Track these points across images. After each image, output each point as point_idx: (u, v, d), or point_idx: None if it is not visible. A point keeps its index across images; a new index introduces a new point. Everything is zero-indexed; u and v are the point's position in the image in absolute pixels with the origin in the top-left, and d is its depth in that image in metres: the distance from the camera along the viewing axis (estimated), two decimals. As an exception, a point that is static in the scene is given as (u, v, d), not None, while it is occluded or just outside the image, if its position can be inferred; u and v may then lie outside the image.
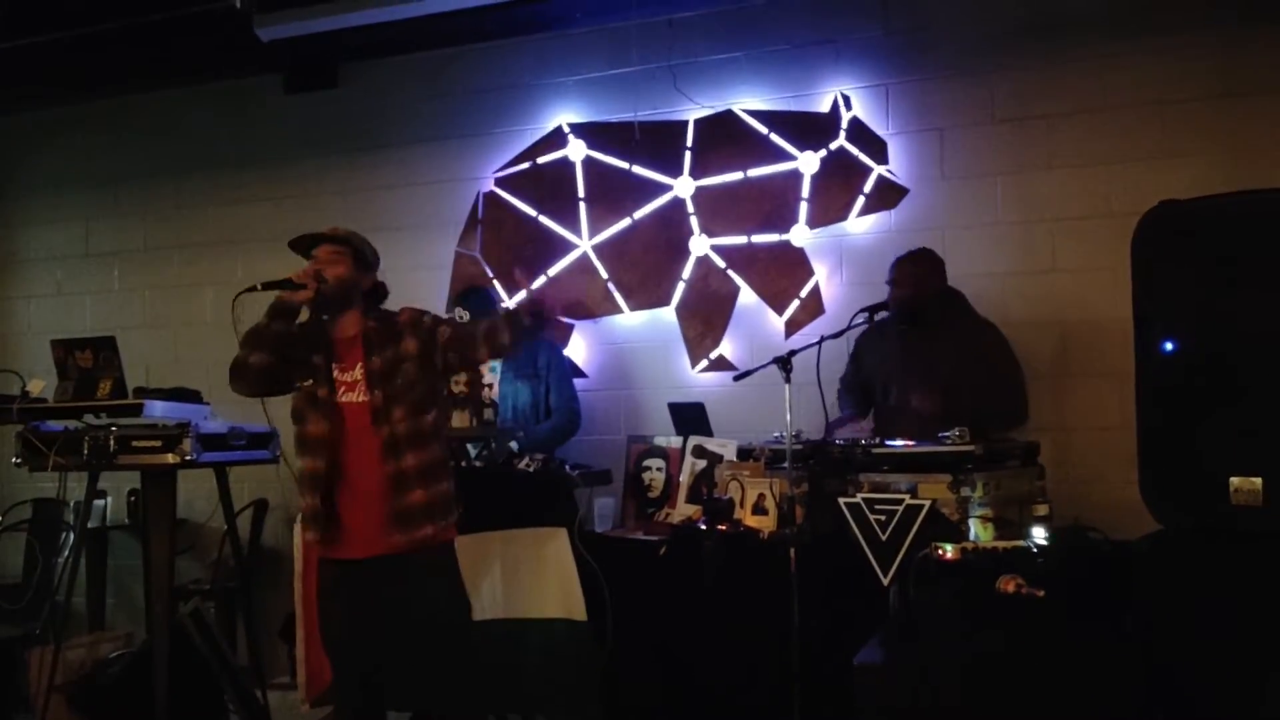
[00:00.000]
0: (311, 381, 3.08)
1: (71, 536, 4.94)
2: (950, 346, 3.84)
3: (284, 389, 3.14)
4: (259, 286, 3.04)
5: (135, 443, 3.76)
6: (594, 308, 4.91)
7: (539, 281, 4.98)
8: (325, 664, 4.07)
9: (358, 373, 3.06)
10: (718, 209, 4.73)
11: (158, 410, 3.82)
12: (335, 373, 3.07)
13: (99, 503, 5.24)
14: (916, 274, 3.90)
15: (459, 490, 3.21)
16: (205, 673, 4.10)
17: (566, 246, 4.96)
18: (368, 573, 3.03)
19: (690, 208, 4.76)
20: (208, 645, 4.18)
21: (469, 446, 4.17)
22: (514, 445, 4.08)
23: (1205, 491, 2.52)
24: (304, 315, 3.12)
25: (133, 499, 5.30)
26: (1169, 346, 2.60)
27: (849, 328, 3.92)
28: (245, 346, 3.07)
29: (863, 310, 3.87)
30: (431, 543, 3.03)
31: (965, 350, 3.83)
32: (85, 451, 3.74)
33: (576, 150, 4.94)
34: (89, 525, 4.47)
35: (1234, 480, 2.46)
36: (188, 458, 3.72)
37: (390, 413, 3.00)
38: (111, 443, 3.74)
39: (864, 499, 3.15)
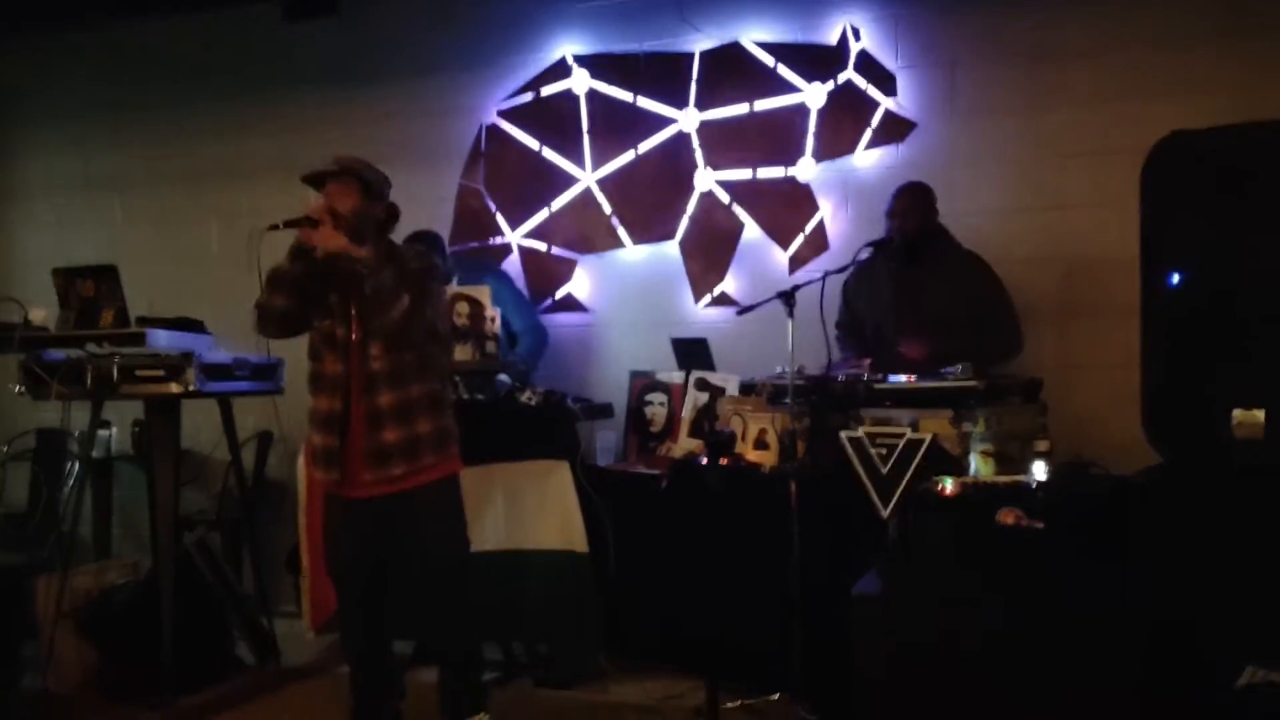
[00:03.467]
0: (330, 320, 3.05)
1: (76, 466, 4.97)
2: (939, 283, 3.83)
3: (306, 328, 3.14)
4: (280, 225, 3.01)
5: (139, 372, 3.76)
6: (597, 242, 4.89)
7: (541, 215, 4.95)
8: (330, 594, 4.13)
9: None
10: (723, 142, 4.67)
11: (161, 340, 3.82)
12: (353, 310, 3.04)
13: (103, 433, 5.25)
14: (919, 205, 3.88)
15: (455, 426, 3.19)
16: (211, 601, 4.15)
17: (569, 180, 4.91)
18: (368, 511, 3.05)
19: (695, 141, 4.71)
20: (213, 574, 4.22)
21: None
22: (503, 378, 4.09)
23: (1207, 425, 2.51)
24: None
25: (136, 429, 5.32)
26: (1175, 279, 2.57)
27: (853, 263, 3.89)
28: (268, 289, 3.04)
29: (868, 245, 3.84)
30: (412, 480, 3.01)
31: (953, 285, 3.82)
32: (88, 381, 3.75)
33: (580, 82, 4.87)
34: (93, 455, 4.50)
35: (1236, 413, 2.46)
36: (191, 387, 3.72)
37: (367, 348, 3.00)
38: (115, 372, 3.74)
39: (866, 433, 3.16)
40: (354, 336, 3.03)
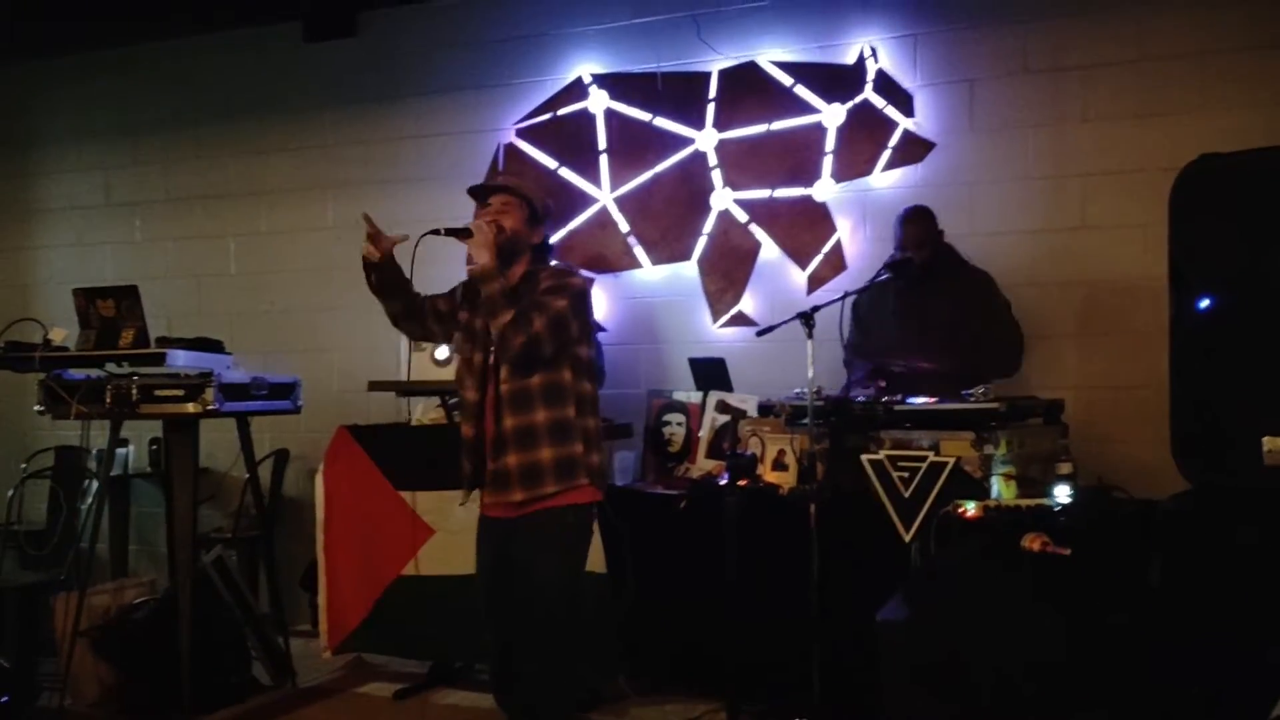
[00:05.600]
0: (470, 345, 2.95)
1: (94, 484, 4.98)
2: (945, 301, 3.82)
3: (429, 337, 3.18)
4: (441, 231, 2.89)
5: (158, 392, 3.78)
6: (614, 262, 4.88)
7: (559, 235, 4.95)
8: (347, 613, 4.14)
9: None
10: (740, 162, 4.67)
11: (180, 360, 3.83)
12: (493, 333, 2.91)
13: (121, 451, 5.28)
14: (930, 233, 3.89)
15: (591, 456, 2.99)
16: (228, 620, 4.15)
17: (587, 200, 4.91)
18: (496, 529, 2.94)
19: (713, 161, 4.71)
20: (231, 593, 4.22)
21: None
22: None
23: (1236, 451, 2.48)
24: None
25: (155, 448, 5.34)
26: (1204, 304, 2.55)
27: (872, 284, 3.88)
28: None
29: (886, 267, 3.82)
30: (531, 507, 2.86)
31: (959, 303, 3.81)
32: (108, 400, 3.76)
33: (598, 101, 4.88)
34: (111, 473, 4.50)
35: (1266, 440, 2.43)
36: (210, 407, 3.74)
37: (497, 371, 2.87)
38: (134, 391, 3.76)
39: (887, 456, 3.14)
40: (490, 360, 2.90)
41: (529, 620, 2.88)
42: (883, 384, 3.68)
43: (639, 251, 4.83)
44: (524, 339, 2.77)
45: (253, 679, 4.20)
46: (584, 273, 4.67)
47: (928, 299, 3.84)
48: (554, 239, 4.89)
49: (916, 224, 3.90)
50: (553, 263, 3.07)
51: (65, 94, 6.01)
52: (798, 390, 3.65)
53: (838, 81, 4.51)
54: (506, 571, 2.93)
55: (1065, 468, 3.15)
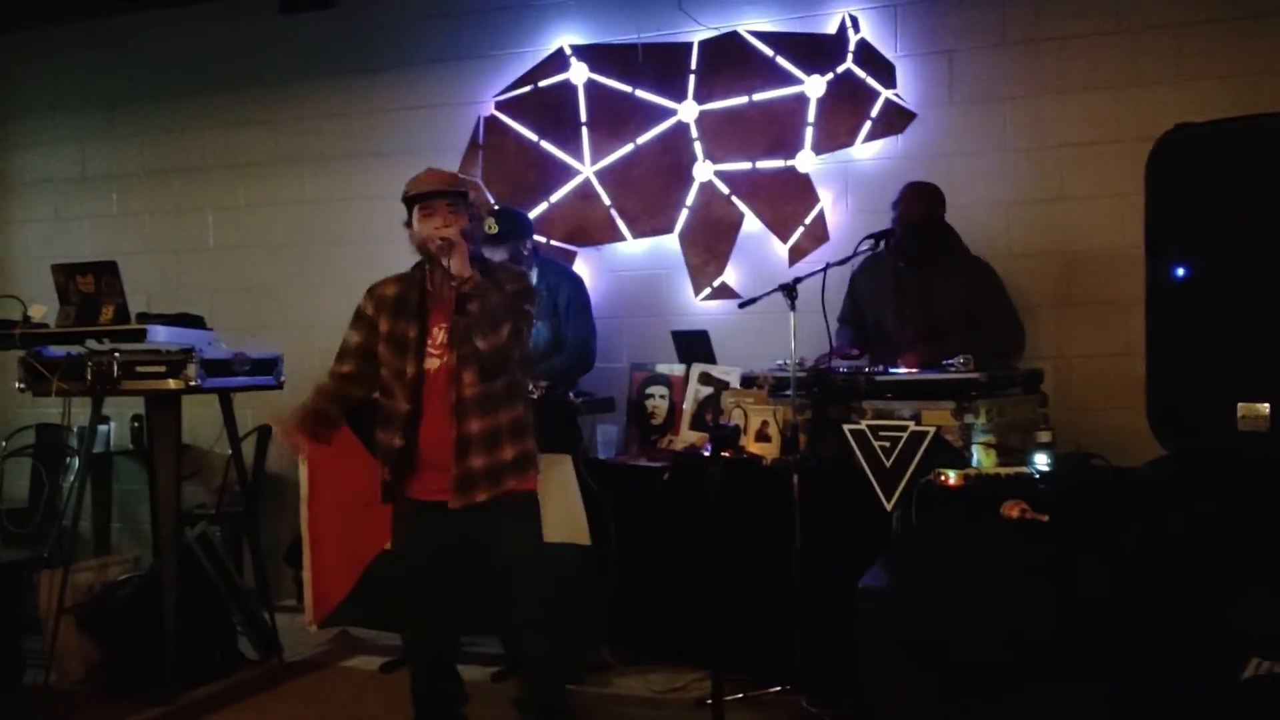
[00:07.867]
0: (400, 355, 2.96)
1: (76, 462, 4.97)
2: (943, 285, 3.82)
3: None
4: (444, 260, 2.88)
5: (139, 368, 3.76)
6: (596, 235, 4.87)
7: (540, 208, 4.93)
8: (332, 588, 4.16)
9: (442, 335, 2.97)
10: (722, 134, 4.66)
11: (161, 336, 3.81)
12: (427, 340, 2.97)
13: (103, 428, 5.26)
14: (924, 196, 3.87)
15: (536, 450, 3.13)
16: (213, 595, 4.15)
17: (568, 172, 4.90)
18: (438, 515, 2.98)
19: (694, 133, 4.70)
20: (215, 568, 4.22)
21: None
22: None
23: (1211, 418, 2.52)
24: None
25: (136, 425, 5.32)
26: (1180, 273, 2.57)
27: (854, 255, 3.88)
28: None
29: (869, 237, 3.82)
30: (499, 492, 2.96)
31: (957, 289, 3.80)
32: (89, 377, 3.75)
33: (578, 73, 4.86)
34: (94, 450, 4.49)
35: (1241, 406, 2.46)
36: (192, 383, 3.73)
37: (461, 377, 2.92)
38: (115, 368, 3.74)
39: (869, 426, 3.16)
40: (425, 367, 2.94)
41: (524, 589, 2.97)
42: (856, 352, 3.75)
43: (621, 224, 4.82)
44: (518, 352, 2.88)
45: (238, 654, 4.21)
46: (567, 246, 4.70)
47: (926, 281, 3.84)
48: (537, 212, 4.91)
49: (912, 187, 3.89)
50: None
51: (40, 67, 5.93)
52: (780, 361, 3.68)
53: (819, 52, 4.50)
54: (464, 555, 2.99)
55: (1044, 436, 3.19)
